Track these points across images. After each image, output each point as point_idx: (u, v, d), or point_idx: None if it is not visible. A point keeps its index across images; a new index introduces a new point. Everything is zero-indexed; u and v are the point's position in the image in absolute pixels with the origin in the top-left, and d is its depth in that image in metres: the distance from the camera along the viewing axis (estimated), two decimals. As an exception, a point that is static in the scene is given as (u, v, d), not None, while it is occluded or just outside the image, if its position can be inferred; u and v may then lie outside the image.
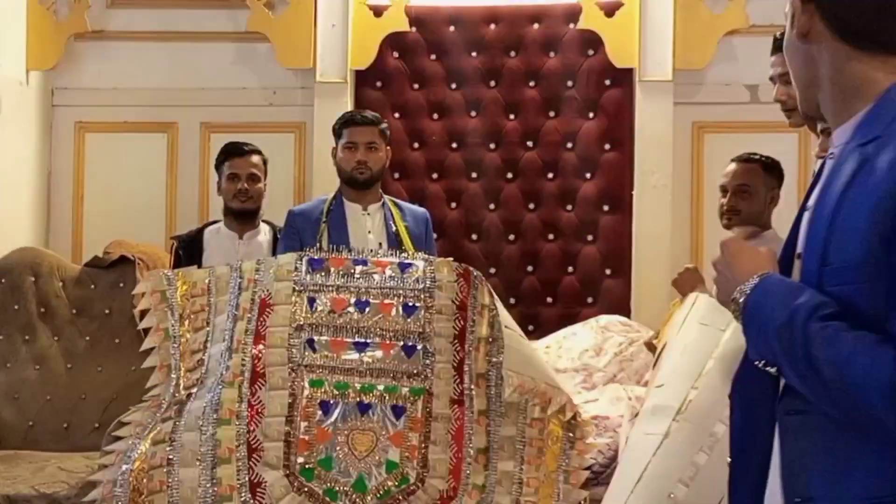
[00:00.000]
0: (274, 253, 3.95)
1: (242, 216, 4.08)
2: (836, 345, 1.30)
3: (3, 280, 4.56)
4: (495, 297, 3.26)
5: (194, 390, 3.14)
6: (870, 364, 1.26)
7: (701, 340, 2.79)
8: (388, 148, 4.01)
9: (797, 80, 1.51)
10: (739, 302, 1.45)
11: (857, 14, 1.38)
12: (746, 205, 3.49)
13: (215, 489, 2.95)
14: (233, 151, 4.11)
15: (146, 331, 3.30)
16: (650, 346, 3.47)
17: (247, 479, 2.95)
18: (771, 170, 3.57)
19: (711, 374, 2.69)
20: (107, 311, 4.57)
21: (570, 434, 3.14)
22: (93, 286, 4.61)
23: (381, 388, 3.06)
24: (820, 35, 1.42)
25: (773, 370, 1.42)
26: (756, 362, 1.44)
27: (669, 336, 2.97)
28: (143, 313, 3.34)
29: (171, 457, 2.99)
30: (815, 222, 1.41)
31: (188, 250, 4.03)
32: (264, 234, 4.14)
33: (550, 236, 4.95)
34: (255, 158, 4.11)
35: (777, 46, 2.81)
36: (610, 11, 4.83)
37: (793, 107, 2.23)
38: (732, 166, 3.58)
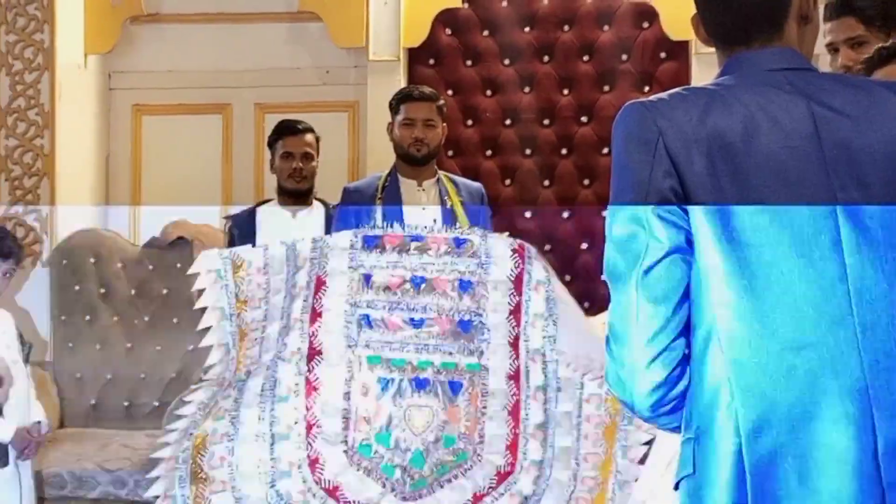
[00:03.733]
0: (327, 230, 3.95)
1: (296, 195, 4.09)
2: None
3: (64, 262, 4.63)
4: (551, 271, 3.23)
5: (253, 368, 3.16)
6: None
7: None
8: (444, 124, 3.99)
9: None
10: None
11: (708, 18, 1.62)
12: None
13: (274, 465, 2.97)
14: (286, 130, 4.11)
15: (203, 310, 3.33)
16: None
17: (305, 455, 2.96)
18: None
19: None
20: (165, 291, 4.62)
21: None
22: (151, 267, 4.67)
23: (437, 363, 3.05)
24: (711, 40, 1.64)
25: None
26: None
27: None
28: (200, 292, 3.36)
29: (230, 433, 3.02)
30: None
31: (242, 230, 4.05)
32: (317, 211, 4.14)
33: (605, 212, 4.90)
34: (309, 137, 4.11)
35: (839, 12, 2.73)
36: (665, -17, 4.76)
37: (858, 72, 2.18)
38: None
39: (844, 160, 1.45)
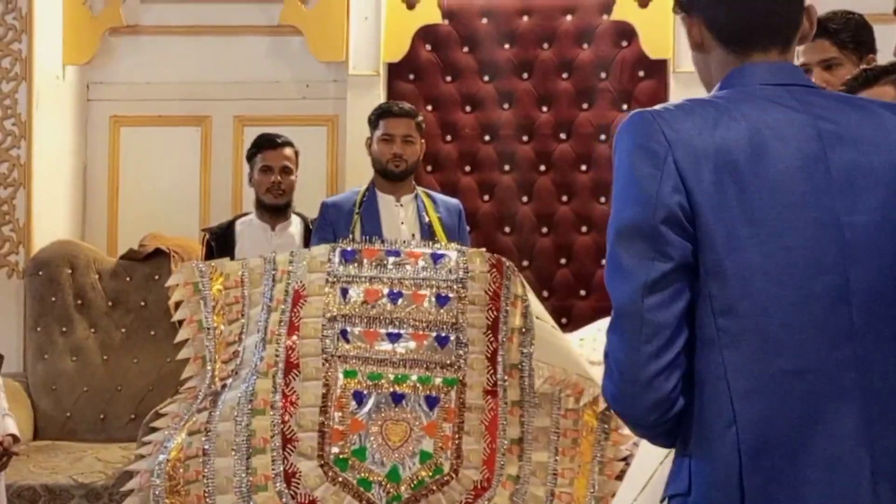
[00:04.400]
0: (306, 244, 3.96)
1: (275, 209, 4.09)
2: None
3: (40, 273, 4.61)
4: (528, 287, 3.25)
5: (229, 381, 3.15)
6: None
7: None
8: (423, 140, 4.00)
9: (703, 84, 1.65)
10: None
11: (723, 21, 1.55)
12: None
13: (250, 479, 2.96)
14: (266, 144, 4.11)
15: (180, 322, 3.32)
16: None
17: (281, 468, 2.96)
18: None
19: None
20: (142, 304, 4.60)
21: (605, 425, 3.13)
22: (128, 279, 4.65)
23: (414, 378, 3.06)
24: (709, 44, 1.57)
25: None
26: None
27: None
28: (177, 305, 3.36)
29: (206, 447, 3.01)
30: None
31: (220, 242, 4.04)
32: (295, 225, 4.14)
33: (584, 229, 4.92)
34: (288, 151, 4.11)
35: (817, 33, 2.77)
36: (644, 2, 4.80)
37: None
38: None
39: (850, 182, 1.44)
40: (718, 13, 1.55)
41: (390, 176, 3.88)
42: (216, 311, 3.28)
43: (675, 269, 1.41)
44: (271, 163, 4.06)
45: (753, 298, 1.40)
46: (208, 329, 3.26)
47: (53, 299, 4.58)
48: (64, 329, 4.57)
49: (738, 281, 1.40)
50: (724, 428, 1.39)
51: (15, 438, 3.42)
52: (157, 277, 4.52)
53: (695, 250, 1.41)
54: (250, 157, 4.14)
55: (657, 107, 1.50)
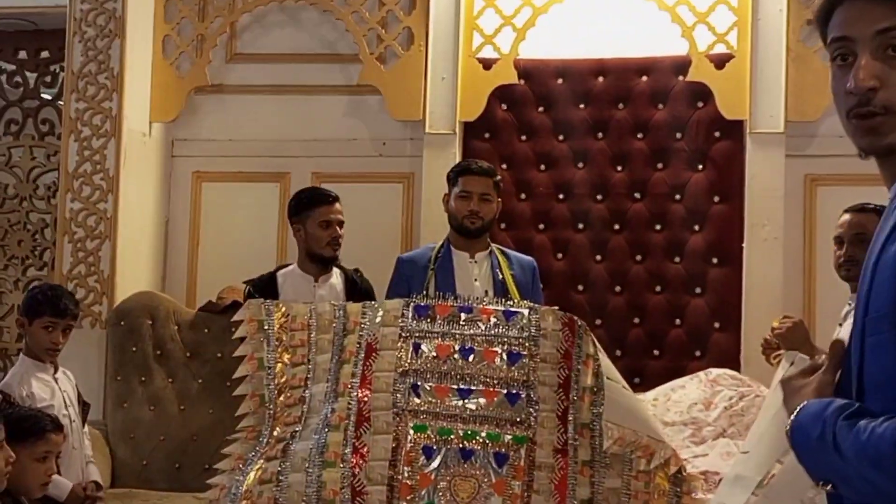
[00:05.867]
0: (347, 296, 3.97)
1: (329, 261, 4.09)
2: (857, 433, 1.30)
3: (122, 323, 4.71)
4: (599, 346, 3.24)
5: (297, 428, 3.18)
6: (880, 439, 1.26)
7: None
8: (500, 199, 4.03)
9: None
10: (788, 433, 1.44)
11: None
12: (864, 253, 3.38)
13: (320, 530, 2.98)
14: (321, 199, 4.07)
15: (241, 359, 3.38)
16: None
17: (351, 521, 2.97)
18: None
19: None
20: (219, 355, 4.66)
21: (678, 489, 3.09)
22: (206, 330, 4.72)
23: (484, 434, 3.06)
24: None
25: (829, 488, 1.39)
26: (817, 484, 1.41)
27: (767, 396, 2.87)
28: (241, 341, 3.41)
29: (277, 497, 3.04)
30: (864, 272, 1.41)
31: (263, 294, 4.01)
32: (336, 276, 4.14)
33: (657, 288, 4.89)
34: (339, 205, 4.11)
35: None
36: (720, 63, 4.80)
37: None
38: (846, 216, 3.50)
39: None
40: None
41: (466, 233, 3.91)
42: (279, 350, 3.33)
43: None
44: (329, 217, 4.04)
45: None
46: (268, 368, 3.31)
47: (134, 349, 4.68)
48: (143, 378, 4.66)
49: None
50: None
51: (98, 485, 3.50)
52: (234, 330, 4.58)
53: None
54: (301, 212, 4.08)
55: None
